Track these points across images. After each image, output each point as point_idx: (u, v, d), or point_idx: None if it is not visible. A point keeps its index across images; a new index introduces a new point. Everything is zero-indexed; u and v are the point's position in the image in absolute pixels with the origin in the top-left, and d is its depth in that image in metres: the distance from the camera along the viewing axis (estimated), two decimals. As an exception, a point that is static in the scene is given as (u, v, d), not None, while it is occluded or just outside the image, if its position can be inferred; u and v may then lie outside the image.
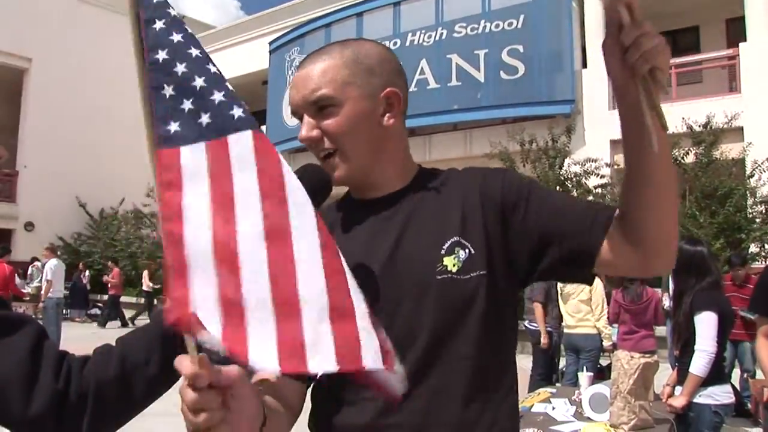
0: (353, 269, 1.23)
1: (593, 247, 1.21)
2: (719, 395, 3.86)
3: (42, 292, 11.83)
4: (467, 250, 1.23)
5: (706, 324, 3.84)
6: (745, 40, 14.28)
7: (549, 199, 1.27)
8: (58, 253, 15.83)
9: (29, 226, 22.66)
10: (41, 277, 13.15)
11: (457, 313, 1.21)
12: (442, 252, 1.22)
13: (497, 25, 16.61)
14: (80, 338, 11.79)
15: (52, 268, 11.88)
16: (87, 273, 19.82)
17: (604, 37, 1.07)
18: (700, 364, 3.79)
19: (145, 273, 17.44)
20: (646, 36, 1.00)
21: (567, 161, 13.58)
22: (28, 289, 16.12)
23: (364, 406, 1.21)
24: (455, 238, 1.23)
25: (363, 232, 1.31)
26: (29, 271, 16.77)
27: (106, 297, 19.48)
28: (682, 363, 4.02)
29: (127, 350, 1.10)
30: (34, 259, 17.35)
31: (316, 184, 1.23)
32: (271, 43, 22.41)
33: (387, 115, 1.29)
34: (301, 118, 1.28)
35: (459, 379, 1.20)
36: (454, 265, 1.21)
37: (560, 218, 1.23)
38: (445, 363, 1.20)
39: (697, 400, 3.84)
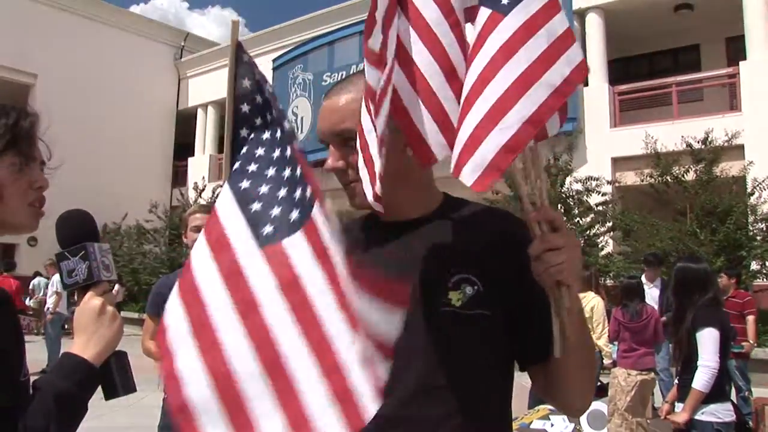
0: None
1: (527, 362, 1.33)
2: (721, 413, 3.88)
3: (51, 306, 11.75)
4: (475, 287, 1.25)
5: (708, 340, 3.87)
6: (745, 59, 14.36)
7: (543, 298, 1.28)
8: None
9: (32, 240, 22.66)
10: (42, 292, 13.09)
11: (455, 346, 1.24)
12: (449, 286, 1.25)
13: (499, 43, 16.66)
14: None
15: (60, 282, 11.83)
16: None
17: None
18: (703, 379, 3.80)
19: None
20: (552, 252, 1.06)
21: (568, 179, 13.62)
22: (30, 303, 16.13)
23: None
24: (463, 275, 1.25)
25: (378, 253, 1.34)
26: (30, 286, 16.77)
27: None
28: (683, 380, 4.04)
29: (30, 420, 1.13)
30: (37, 273, 17.37)
31: (72, 225, 1.33)
32: (274, 61, 22.53)
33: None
34: (328, 146, 1.32)
35: (453, 409, 1.22)
36: (458, 300, 1.24)
37: (536, 321, 1.26)
38: (439, 392, 1.22)
39: (700, 417, 3.85)
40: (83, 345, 1.23)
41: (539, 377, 1.32)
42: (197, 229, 3.42)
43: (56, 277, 12.12)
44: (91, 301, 1.27)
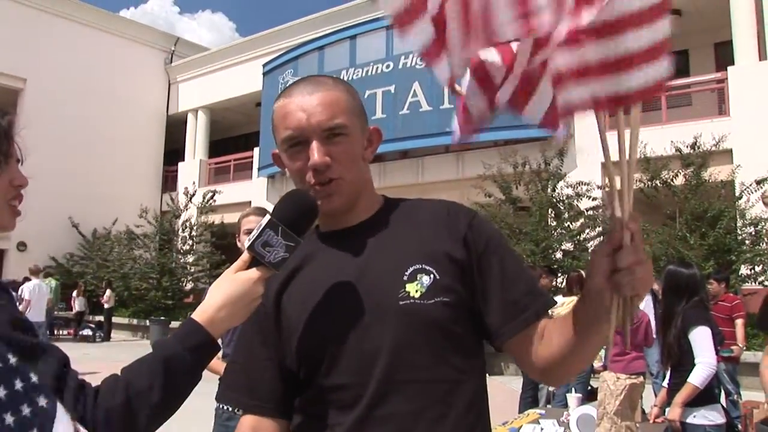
0: (321, 296, 1.29)
1: (502, 336, 1.28)
2: (712, 416, 3.89)
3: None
4: (431, 276, 1.25)
5: (702, 338, 3.89)
6: (733, 64, 14.46)
7: (503, 263, 1.31)
8: (51, 273, 15.61)
9: (21, 246, 22.54)
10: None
11: (421, 337, 1.23)
12: (404, 278, 1.25)
13: (489, 49, 16.73)
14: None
15: (30, 288, 11.66)
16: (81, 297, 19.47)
17: (597, 246, 1.09)
18: (701, 375, 3.81)
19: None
20: (641, 264, 1.03)
21: (559, 183, 13.67)
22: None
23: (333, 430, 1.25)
24: (418, 266, 1.26)
25: (332, 261, 1.34)
26: (19, 292, 16.62)
27: (98, 318, 19.35)
28: (673, 384, 4.05)
29: (132, 377, 1.13)
30: (25, 279, 17.26)
31: (306, 210, 1.26)
32: (265, 65, 22.52)
33: (369, 149, 1.38)
34: (299, 143, 1.29)
35: (425, 402, 1.22)
36: (416, 291, 1.24)
37: (499, 290, 1.28)
38: (409, 386, 1.22)
39: (691, 420, 3.86)
40: (214, 310, 1.20)
41: (522, 348, 1.28)
42: (250, 233, 3.47)
43: (26, 285, 11.95)
44: (254, 272, 1.23)
